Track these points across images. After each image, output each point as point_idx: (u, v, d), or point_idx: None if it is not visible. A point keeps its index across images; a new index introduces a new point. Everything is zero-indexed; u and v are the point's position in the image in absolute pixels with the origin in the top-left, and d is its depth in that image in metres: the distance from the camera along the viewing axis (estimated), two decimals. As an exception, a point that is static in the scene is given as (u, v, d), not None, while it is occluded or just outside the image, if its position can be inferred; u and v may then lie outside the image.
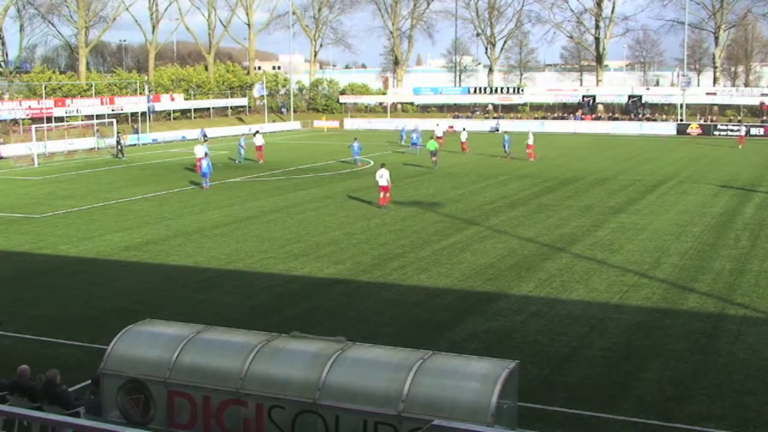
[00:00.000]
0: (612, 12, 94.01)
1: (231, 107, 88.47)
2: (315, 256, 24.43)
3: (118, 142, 56.53)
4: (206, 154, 41.36)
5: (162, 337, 11.60)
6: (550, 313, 18.66)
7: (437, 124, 66.11)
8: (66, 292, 21.06)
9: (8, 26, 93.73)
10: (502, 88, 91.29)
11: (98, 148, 59.68)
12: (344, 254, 24.68)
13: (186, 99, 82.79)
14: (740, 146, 60.37)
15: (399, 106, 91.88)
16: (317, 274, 22.44)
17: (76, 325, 18.09)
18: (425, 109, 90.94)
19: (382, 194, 32.91)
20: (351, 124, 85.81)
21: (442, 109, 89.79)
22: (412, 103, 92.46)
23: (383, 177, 32.64)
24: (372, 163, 49.78)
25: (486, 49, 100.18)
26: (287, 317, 18.23)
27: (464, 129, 61.11)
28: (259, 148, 51.31)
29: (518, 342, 16.67)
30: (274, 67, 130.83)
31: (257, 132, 54.13)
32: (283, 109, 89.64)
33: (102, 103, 71.58)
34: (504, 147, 51.91)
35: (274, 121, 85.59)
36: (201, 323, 12.46)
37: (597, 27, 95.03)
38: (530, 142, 51.48)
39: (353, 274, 22.38)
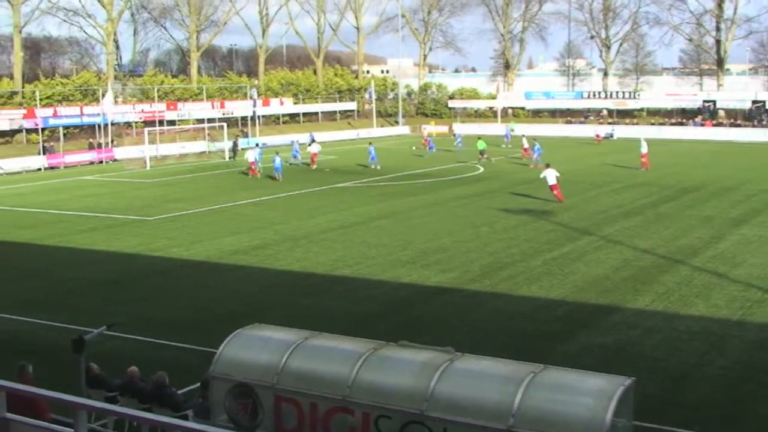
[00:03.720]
0: (734, 13, 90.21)
1: (339, 111, 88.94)
2: (422, 264, 24.19)
3: (234, 144, 57.84)
4: (277, 153, 45.59)
5: (270, 341, 11.57)
6: (667, 328, 17.89)
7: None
8: (176, 294, 21.48)
9: (122, 30, 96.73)
10: (616, 93, 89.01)
11: (209, 152, 60.97)
12: (452, 262, 24.35)
13: (295, 103, 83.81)
14: None
15: (510, 110, 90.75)
16: (425, 281, 22.20)
17: (185, 328, 18.38)
18: (537, 114, 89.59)
19: (555, 191, 35.16)
20: (460, 129, 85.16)
21: (554, 114, 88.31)
22: (523, 108, 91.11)
23: (551, 176, 35.18)
24: (482, 169, 49.28)
25: (600, 52, 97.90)
26: (394, 325, 18.05)
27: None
28: (314, 155, 51.86)
29: (634, 358, 16.02)
30: (382, 71, 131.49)
31: (313, 141, 57.15)
32: (398, 120, 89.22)
33: (212, 107, 72.95)
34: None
35: (382, 126, 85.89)
36: (307, 328, 12.35)
37: (718, 29, 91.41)
38: (644, 150, 47.99)
39: (461, 282, 22.04)
